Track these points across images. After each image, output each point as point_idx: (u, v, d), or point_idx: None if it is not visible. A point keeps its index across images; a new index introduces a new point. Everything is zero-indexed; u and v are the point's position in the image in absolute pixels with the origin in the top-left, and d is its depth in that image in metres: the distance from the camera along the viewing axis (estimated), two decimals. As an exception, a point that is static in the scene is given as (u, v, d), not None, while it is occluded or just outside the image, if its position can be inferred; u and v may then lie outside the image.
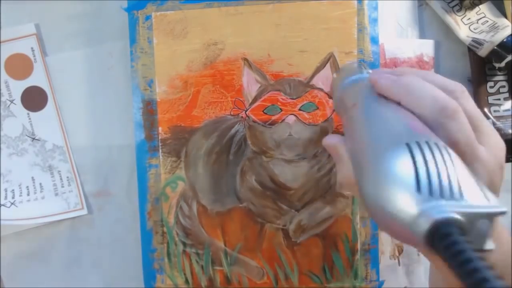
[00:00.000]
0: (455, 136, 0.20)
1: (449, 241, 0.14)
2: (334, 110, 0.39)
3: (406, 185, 0.16)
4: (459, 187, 0.16)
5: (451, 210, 0.15)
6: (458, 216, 0.15)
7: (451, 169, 0.17)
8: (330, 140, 0.26)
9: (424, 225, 0.15)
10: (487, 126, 0.23)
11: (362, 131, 0.22)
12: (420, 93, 0.22)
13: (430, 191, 0.16)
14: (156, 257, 0.42)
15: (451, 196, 0.16)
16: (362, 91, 0.25)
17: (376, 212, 0.18)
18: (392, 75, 0.24)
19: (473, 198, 0.16)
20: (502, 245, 0.23)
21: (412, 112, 0.22)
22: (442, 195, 0.16)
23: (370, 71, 0.28)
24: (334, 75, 0.30)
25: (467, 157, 0.20)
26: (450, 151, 0.18)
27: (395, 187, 0.16)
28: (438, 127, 0.21)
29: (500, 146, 0.23)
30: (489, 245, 0.16)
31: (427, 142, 0.18)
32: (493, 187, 0.21)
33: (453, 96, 0.22)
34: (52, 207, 0.43)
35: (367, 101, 0.24)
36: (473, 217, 0.15)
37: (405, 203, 0.16)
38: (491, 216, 0.16)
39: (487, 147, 0.22)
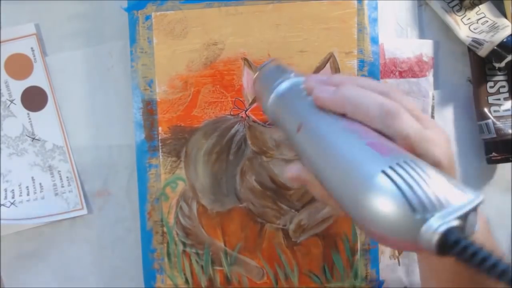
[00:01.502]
0: (404, 132, 0.22)
1: (459, 248, 0.16)
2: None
3: (402, 212, 0.18)
4: (444, 195, 0.18)
5: (449, 219, 0.17)
6: (456, 222, 0.17)
7: (431, 181, 0.18)
8: (293, 171, 0.26)
9: (432, 239, 0.17)
10: (424, 114, 0.25)
11: (324, 160, 0.22)
12: (364, 103, 0.23)
13: (424, 209, 0.17)
14: (156, 257, 0.42)
15: (441, 206, 0.18)
16: (302, 108, 0.25)
17: (373, 233, 0.19)
18: (329, 86, 0.25)
19: (457, 199, 0.18)
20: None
21: (359, 121, 0.23)
22: (434, 208, 0.17)
23: (293, 74, 0.27)
24: (254, 76, 0.29)
25: (421, 144, 0.22)
26: (420, 163, 0.20)
27: (393, 217, 0.18)
28: (386, 128, 0.23)
29: (439, 125, 0.26)
30: (477, 227, 0.19)
31: (398, 164, 0.19)
32: (449, 158, 0.24)
33: (390, 97, 0.24)
34: (52, 207, 0.43)
35: (313, 121, 0.24)
36: (465, 215, 0.18)
37: (406, 226, 0.18)
38: (475, 208, 0.18)
39: (431, 129, 0.24)
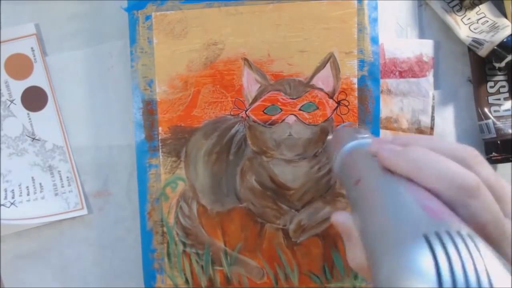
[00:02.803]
0: (481, 218, 0.18)
1: None
2: (333, 111, 0.39)
3: (427, 282, 0.15)
4: (488, 278, 0.15)
5: None
6: None
7: (478, 260, 0.15)
8: (339, 218, 0.23)
9: None
10: (508, 192, 0.20)
11: (372, 214, 0.20)
12: (432, 169, 0.19)
13: (455, 286, 0.15)
14: (156, 257, 0.42)
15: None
16: (364, 164, 0.23)
17: None
18: (396, 146, 0.22)
19: (504, 283, 0.15)
20: None
21: (425, 187, 0.20)
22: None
23: (368, 135, 0.26)
24: (329, 137, 0.28)
25: (495, 237, 0.18)
26: (475, 237, 0.16)
27: (415, 283, 0.15)
28: (458, 206, 0.19)
29: None
30: None
31: (447, 232, 0.16)
32: None
33: (466, 164, 0.20)
34: (52, 207, 0.43)
35: (371, 178, 0.22)
36: None
37: None
38: None
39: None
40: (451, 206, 0.19)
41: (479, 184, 0.19)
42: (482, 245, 0.16)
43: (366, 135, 0.26)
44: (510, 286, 0.15)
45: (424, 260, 0.15)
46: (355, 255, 0.23)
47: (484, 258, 0.15)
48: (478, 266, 0.15)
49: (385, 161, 0.21)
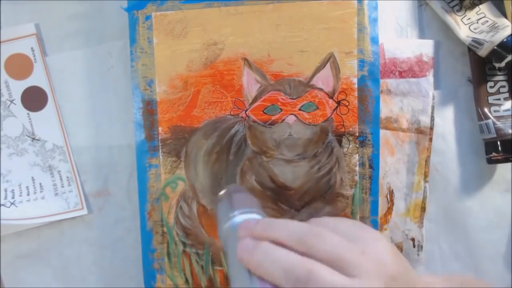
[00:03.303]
0: None
1: None
2: (333, 111, 0.39)
3: None
4: None
5: None
6: None
7: None
8: None
9: None
10: (352, 257, 0.22)
11: None
12: (273, 267, 0.22)
13: None
14: (156, 257, 0.42)
15: None
16: (231, 251, 0.25)
17: None
18: (250, 241, 0.24)
19: None
20: None
21: (273, 284, 0.22)
22: None
23: (238, 212, 0.27)
24: (221, 193, 0.31)
25: None
26: None
27: None
28: None
29: (377, 263, 0.23)
30: None
31: None
32: None
33: (305, 244, 0.22)
34: (52, 207, 0.43)
35: (234, 270, 0.24)
36: None
37: None
38: None
39: (364, 274, 0.21)
40: None
41: (310, 272, 0.21)
42: None
43: (237, 212, 0.27)
44: None
45: None
46: None
47: None
48: None
49: (241, 261, 0.24)
